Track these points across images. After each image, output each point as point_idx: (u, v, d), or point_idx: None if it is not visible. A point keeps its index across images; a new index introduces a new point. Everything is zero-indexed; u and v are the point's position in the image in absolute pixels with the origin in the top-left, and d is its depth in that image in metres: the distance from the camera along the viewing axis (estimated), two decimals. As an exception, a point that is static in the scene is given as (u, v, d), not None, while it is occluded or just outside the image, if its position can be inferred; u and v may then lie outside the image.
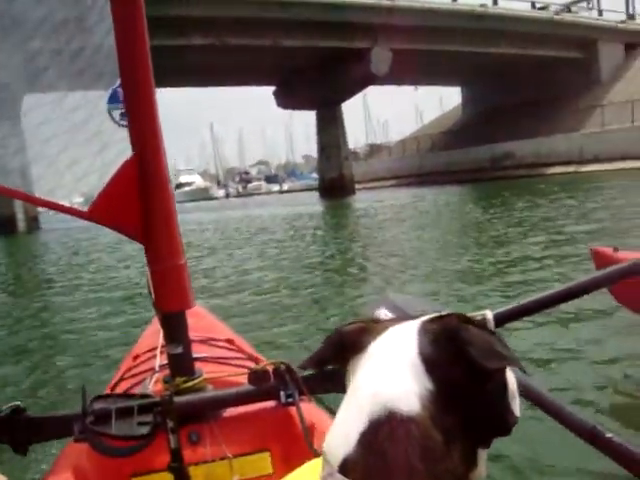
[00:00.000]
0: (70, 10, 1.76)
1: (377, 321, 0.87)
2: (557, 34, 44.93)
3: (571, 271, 8.26)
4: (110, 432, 1.53)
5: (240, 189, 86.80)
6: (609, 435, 1.38)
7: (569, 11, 48.69)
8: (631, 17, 52.07)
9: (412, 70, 45.04)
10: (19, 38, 1.76)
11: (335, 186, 45.13)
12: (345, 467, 0.72)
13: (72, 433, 1.59)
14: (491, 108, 51.23)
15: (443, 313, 0.83)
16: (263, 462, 1.78)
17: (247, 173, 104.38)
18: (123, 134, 1.74)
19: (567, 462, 3.29)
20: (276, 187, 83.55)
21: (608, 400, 4.21)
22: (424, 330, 0.79)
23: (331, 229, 21.52)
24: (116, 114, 1.76)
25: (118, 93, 1.73)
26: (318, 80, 43.59)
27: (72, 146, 1.75)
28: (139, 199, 1.70)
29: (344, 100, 46.04)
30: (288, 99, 48.55)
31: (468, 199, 29.40)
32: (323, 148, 47.30)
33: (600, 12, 51.89)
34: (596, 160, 40.15)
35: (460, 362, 0.74)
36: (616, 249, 4.09)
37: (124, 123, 1.74)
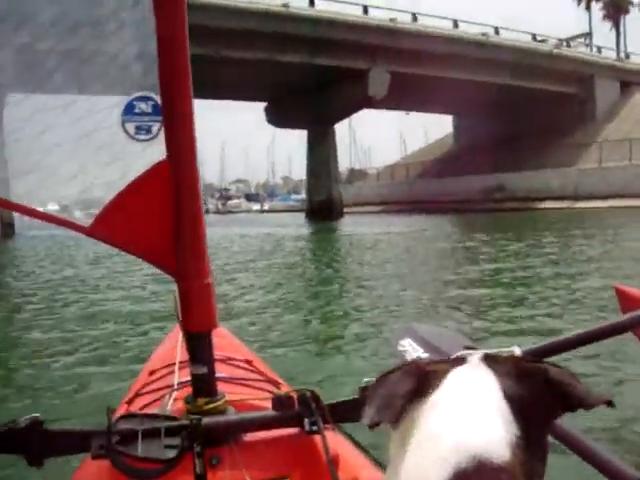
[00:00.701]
0: (86, 13, 1.69)
1: (429, 363, 0.86)
2: (555, 68, 44.65)
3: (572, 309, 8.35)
4: (137, 454, 1.49)
5: (220, 206, 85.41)
6: None
7: (568, 46, 48.40)
8: (627, 56, 52.02)
9: (408, 95, 44.28)
10: (26, 37, 1.64)
11: (323, 208, 44.02)
12: None
13: (90, 450, 1.53)
14: (484, 139, 50.63)
15: (502, 351, 0.89)
16: None
17: (227, 190, 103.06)
18: (137, 148, 1.67)
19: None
20: (256, 206, 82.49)
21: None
22: (504, 372, 0.79)
23: (327, 254, 20.18)
24: (130, 127, 1.68)
25: (134, 105, 1.68)
26: (312, 98, 42.73)
27: (77, 156, 1.68)
28: (170, 212, 1.65)
29: (337, 121, 45.22)
30: (279, 116, 47.55)
31: (465, 230, 28.27)
32: (313, 169, 46.21)
33: (599, 49, 51.77)
34: (591, 197, 39.55)
35: (548, 403, 0.77)
36: None
37: (141, 137, 1.68)
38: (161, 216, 1.65)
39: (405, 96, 44.77)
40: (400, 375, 0.81)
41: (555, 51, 45.09)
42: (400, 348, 1.32)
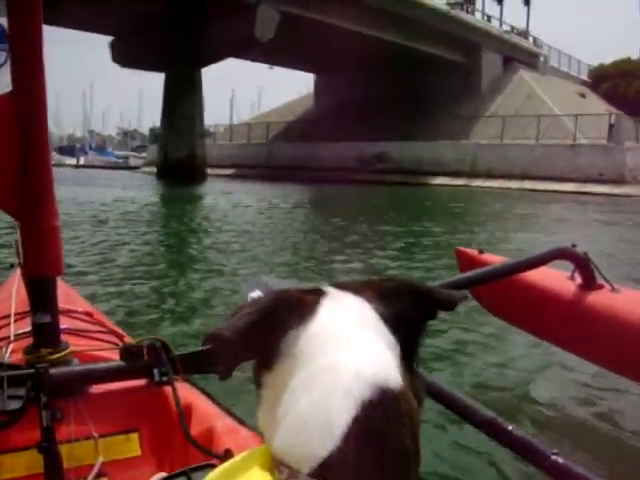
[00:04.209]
0: None
1: (295, 293, 0.77)
2: (446, 30, 40.48)
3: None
4: None
5: (26, 157, 74.22)
6: (510, 427, 1.40)
7: (462, 9, 44.45)
8: (512, 29, 49.41)
9: (291, 44, 38.08)
10: None
11: (183, 169, 36.57)
12: (328, 464, 0.62)
13: None
14: (357, 101, 45.34)
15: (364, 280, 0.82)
16: (131, 443, 1.65)
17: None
18: None
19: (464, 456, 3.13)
20: (71, 160, 72.40)
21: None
22: (371, 295, 0.75)
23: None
24: None
25: None
26: (177, 35, 35.29)
27: None
28: (14, 149, 1.53)
29: (208, 63, 37.54)
30: (130, 54, 39.02)
31: (355, 208, 22.30)
32: (172, 120, 38.47)
33: (488, 18, 48.47)
34: (490, 175, 35.95)
35: (418, 314, 0.75)
36: (481, 251, 3.76)
37: None
38: (2, 153, 1.54)
39: (279, 45, 38.45)
40: (272, 301, 0.73)
41: (452, 12, 40.75)
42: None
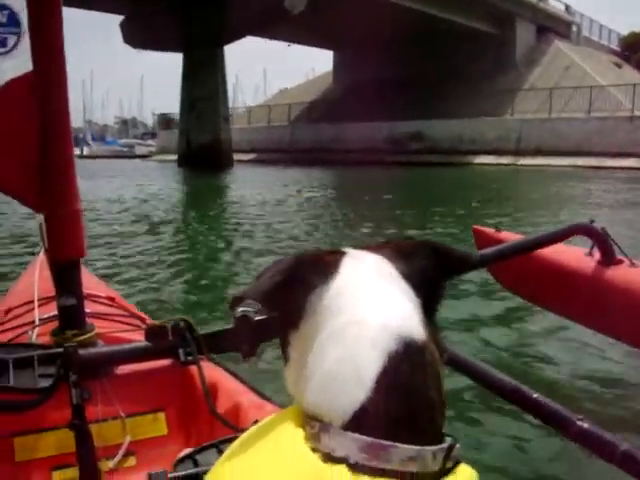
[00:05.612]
0: None
1: (317, 253, 0.78)
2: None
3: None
4: (8, 384, 1.37)
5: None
6: (534, 395, 1.40)
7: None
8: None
9: (315, 18, 35.40)
10: None
11: (207, 155, 34.11)
12: (359, 416, 0.62)
13: None
14: (381, 78, 42.87)
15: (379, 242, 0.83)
16: (158, 423, 1.65)
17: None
18: None
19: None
20: (75, 151, 69.62)
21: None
22: (390, 254, 0.77)
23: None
24: None
25: None
26: (194, 10, 32.57)
27: None
28: (34, 133, 1.47)
29: (232, 40, 34.85)
30: (144, 34, 36.26)
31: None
32: (193, 103, 35.78)
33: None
34: (537, 153, 33.52)
35: (438, 272, 0.77)
36: (498, 229, 3.70)
37: None
38: (23, 138, 1.49)
39: (302, 20, 35.75)
40: (293, 261, 0.74)
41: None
42: None
